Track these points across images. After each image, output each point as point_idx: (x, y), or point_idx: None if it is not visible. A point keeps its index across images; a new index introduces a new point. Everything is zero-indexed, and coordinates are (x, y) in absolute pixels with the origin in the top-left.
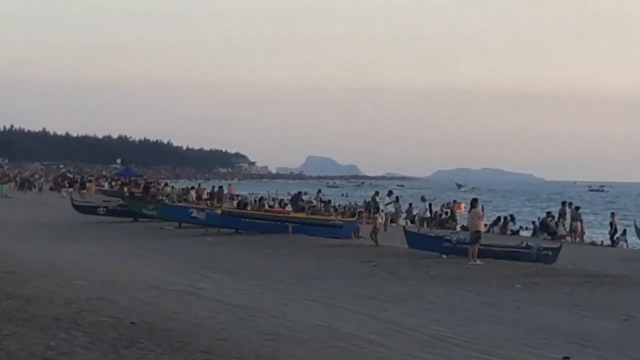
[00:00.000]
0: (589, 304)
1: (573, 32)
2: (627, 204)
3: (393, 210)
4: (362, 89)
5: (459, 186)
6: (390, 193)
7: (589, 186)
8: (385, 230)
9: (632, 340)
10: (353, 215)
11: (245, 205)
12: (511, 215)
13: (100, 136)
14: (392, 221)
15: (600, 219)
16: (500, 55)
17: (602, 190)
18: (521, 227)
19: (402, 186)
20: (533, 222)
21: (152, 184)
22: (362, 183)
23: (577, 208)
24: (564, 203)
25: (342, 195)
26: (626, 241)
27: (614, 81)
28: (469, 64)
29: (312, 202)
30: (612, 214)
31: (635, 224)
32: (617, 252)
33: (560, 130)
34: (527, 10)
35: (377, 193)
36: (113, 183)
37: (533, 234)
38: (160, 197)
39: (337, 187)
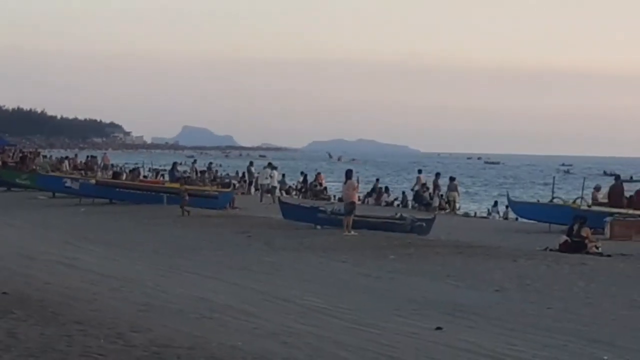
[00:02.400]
0: (462, 275)
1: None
2: (520, 175)
3: (269, 181)
4: (239, 60)
5: (330, 156)
6: (270, 165)
7: (479, 158)
8: (261, 201)
9: (504, 310)
10: (227, 186)
11: (120, 175)
12: (386, 187)
13: None
14: (268, 192)
15: (487, 191)
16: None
17: (497, 163)
18: (396, 199)
19: (264, 156)
20: (403, 192)
21: (30, 154)
22: (229, 154)
23: (453, 179)
24: (437, 174)
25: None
26: (498, 212)
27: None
28: (344, 37)
29: (187, 172)
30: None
31: (507, 196)
32: (490, 223)
33: (435, 103)
34: None
35: (251, 163)
36: None
37: (402, 205)
38: (34, 167)
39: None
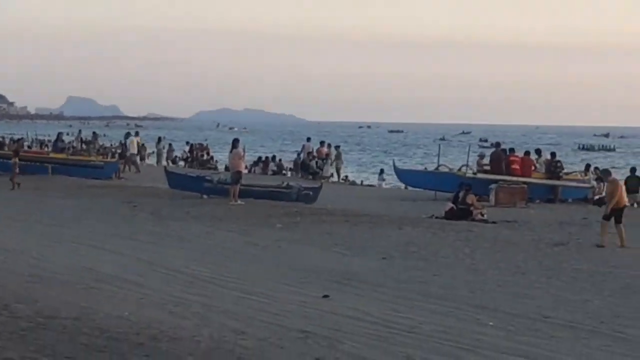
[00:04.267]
0: (348, 243)
1: None
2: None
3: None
4: (123, 30)
5: (218, 125)
6: (128, 134)
7: (369, 127)
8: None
9: (391, 278)
10: (113, 156)
11: (2, 146)
12: (273, 156)
13: None
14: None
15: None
16: None
17: (401, 132)
18: (286, 167)
19: (140, 126)
20: (295, 163)
21: None
22: (109, 123)
23: (337, 147)
24: (322, 142)
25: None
26: (384, 180)
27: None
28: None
29: (72, 143)
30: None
31: (394, 164)
32: (376, 191)
33: (322, 72)
34: None
35: (137, 134)
36: None
37: (292, 173)
38: None
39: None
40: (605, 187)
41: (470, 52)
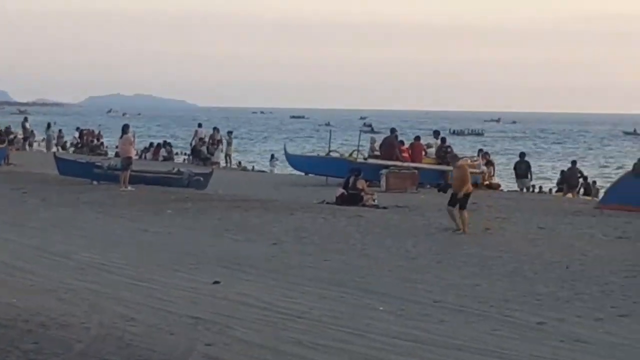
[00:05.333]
0: (239, 228)
1: None
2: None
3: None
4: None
5: (109, 111)
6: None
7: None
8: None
9: (282, 263)
10: (3, 142)
11: None
12: (165, 142)
13: None
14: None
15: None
16: None
17: (302, 117)
18: (177, 153)
19: (24, 111)
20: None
21: None
22: None
23: (230, 133)
24: (215, 128)
25: None
26: (275, 165)
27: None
28: None
29: None
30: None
31: (285, 149)
32: (268, 177)
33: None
34: None
35: (26, 119)
36: None
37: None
38: None
39: None
40: (454, 172)
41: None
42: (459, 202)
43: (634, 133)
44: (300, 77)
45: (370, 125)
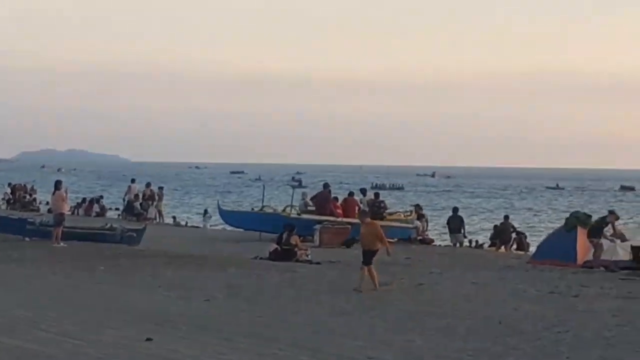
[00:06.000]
0: (172, 285)
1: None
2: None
3: None
4: None
5: (43, 167)
6: None
7: (197, 167)
8: None
9: (214, 320)
10: None
11: None
12: (98, 197)
13: None
14: None
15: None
16: (78, 33)
17: (242, 172)
18: (110, 209)
19: None
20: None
21: None
22: None
23: (161, 188)
24: (147, 184)
25: None
26: (209, 221)
27: (206, 58)
28: (49, 43)
29: None
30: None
31: (218, 205)
32: (201, 232)
33: (144, 110)
34: None
35: None
36: None
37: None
38: None
39: None
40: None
41: (295, 90)
42: (364, 257)
43: (557, 187)
44: (239, 131)
45: (299, 181)
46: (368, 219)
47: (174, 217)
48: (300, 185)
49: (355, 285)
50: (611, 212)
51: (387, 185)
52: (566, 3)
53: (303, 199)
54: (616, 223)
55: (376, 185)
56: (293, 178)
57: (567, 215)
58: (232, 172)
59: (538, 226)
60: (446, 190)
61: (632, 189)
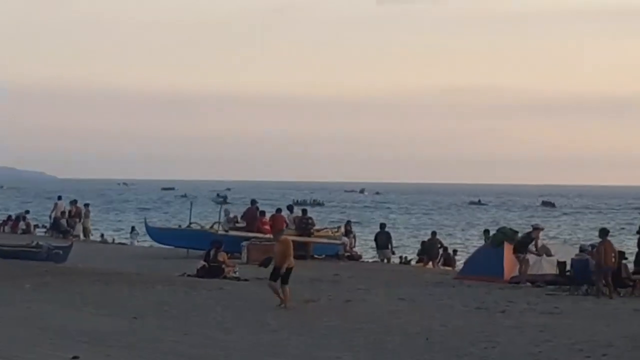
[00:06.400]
0: (99, 302)
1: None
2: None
3: None
4: None
5: None
6: None
7: (125, 184)
8: None
9: (141, 337)
10: None
11: None
12: (23, 215)
13: None
14: None
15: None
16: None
17: (173, 189)
18: (37, 226)
19: None
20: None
21: None
22: None
23: (87, 205)
24: (73, 201)
25: None
26: (136, 238)
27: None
28: None
29: None
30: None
31: (145, 222)
32: (128, 249)
33: (74, 127)
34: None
35: None
36: None
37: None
38: None
39: None
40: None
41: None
42: (281, 277)
43: (479, 203)
44: (166, 149)
45: (224, 197)
46: (282, 237)
47: (101, 235)
48: (225, 202)
49: (279, 302)
50: (535, 228)
51: (309, 201)
52: None
53: (226, 215)
54: (540, 237)
55: (297, 201)
56: (218, 194)
57: (494, 230)
58: (164, 189)
59: (465, 243)
60: (369, 206)
61: (552, 204)
